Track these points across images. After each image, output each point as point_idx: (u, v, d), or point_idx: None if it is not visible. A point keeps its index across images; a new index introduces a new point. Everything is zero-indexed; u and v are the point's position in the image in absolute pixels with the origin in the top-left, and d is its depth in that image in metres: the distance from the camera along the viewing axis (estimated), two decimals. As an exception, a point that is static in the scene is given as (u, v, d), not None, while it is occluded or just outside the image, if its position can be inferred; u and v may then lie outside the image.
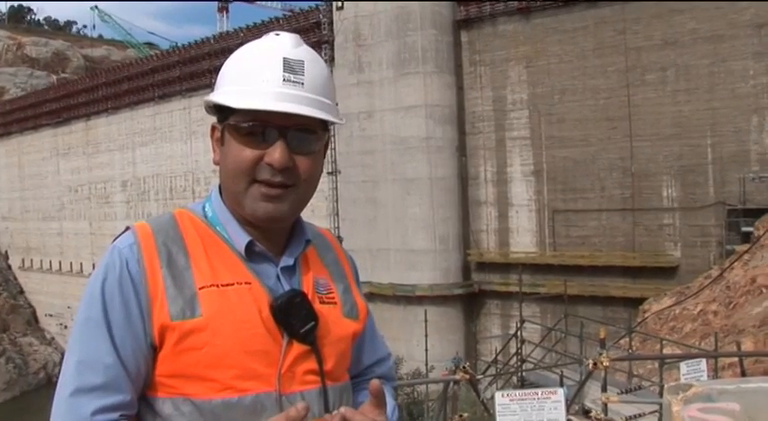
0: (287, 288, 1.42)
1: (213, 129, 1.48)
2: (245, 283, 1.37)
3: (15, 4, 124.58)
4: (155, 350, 1.34)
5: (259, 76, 1.37)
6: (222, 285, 1.36)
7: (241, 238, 1.42)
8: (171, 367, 1.33)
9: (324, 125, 1.45)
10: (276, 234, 1.47)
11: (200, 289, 1.34)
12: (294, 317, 1.37)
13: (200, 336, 1.31)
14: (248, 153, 1.37)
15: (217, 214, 1.46)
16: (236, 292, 1.35)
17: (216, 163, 1.47)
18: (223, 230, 1.44)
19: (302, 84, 1.37)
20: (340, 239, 1.82)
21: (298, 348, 1.37)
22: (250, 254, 1.42)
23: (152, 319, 1.33)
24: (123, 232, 1.43)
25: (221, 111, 1.43)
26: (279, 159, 1.35)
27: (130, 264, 1.35)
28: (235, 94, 1.37)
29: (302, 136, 1.39)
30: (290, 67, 1.37)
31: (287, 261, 1.46)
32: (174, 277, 1.35)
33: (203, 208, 1.49)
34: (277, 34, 1.43)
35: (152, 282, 1.34)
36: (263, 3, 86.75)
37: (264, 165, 1.37)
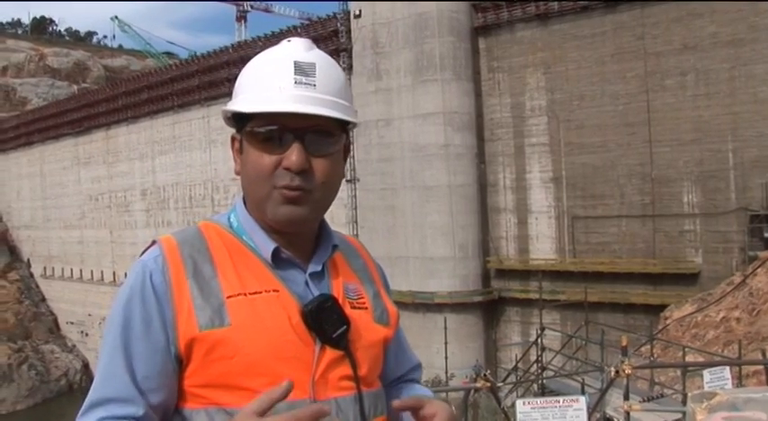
0: (316, 294, 1.41)
1: (233, 139, 1.48)
2: (273, 291, 1.37)
3: (38, 15, 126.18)
4: (181, 362, 1.34)
5: (271, 80, 1.37)
6: (250, 294, 1.35)
7: (267, 246, 1.42)
8: (202, 377, 1.32)
9: (342, 127, 1.44)
10: (302, 240, 1.47)
11: (227, 298, 1.34)
12: (325, 321, 1.36)
13: (231, 345, 1.31)
14: (266, 159, 1.37)
15: (242, 224, 1.46)
16: (264, 300, 1.35)
17: (237, 173, 1.47)
18: (249, 239, 1.44)
19: (314, 85, 1.37)
20: (360, 246, 1.80)
21: (331, 354, 1.36)
22: (277, 261, 1.42)
23: (177, 331, 1.33)
24: (149, 246, 1.43)
25: (239, 121, 1.43)
26: (295, 162, 1.35)
27: (154, 276, 1.35)
28: (248, 101, 1.38)
29: (319, 138, 1.38)
30: (302, 69, 1.37)
31: (315, 267, 1.46)
32: (200, 287, 1.34)
33: (228, 218, 1.49)
34: (289, 41, 1.43)
35: (177, 294, 1.34)
36: (281, 12, 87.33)
37: (283, 171, 1.36)
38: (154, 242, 1.44)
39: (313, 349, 1.35)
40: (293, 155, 1.35)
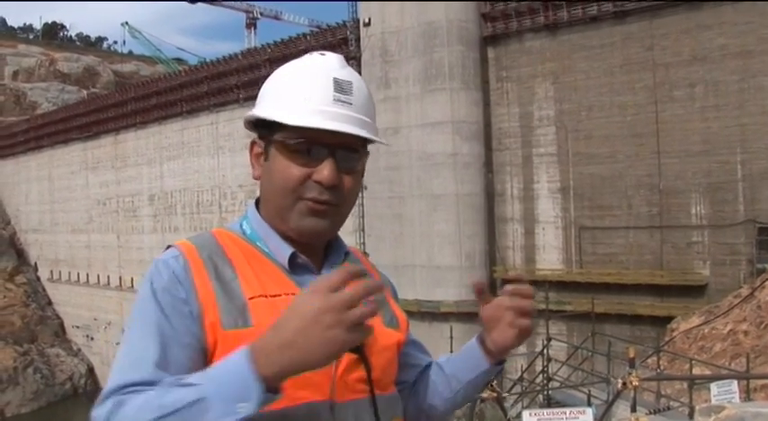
0: None
1: (253, 144, 1.50)
2: (292, 294, 1.37)
3: (49, 20, 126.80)
4: (205, 355, 1.34)
5: (309, 94, 1.39)
6: (270, 296, 1.37)
7: (284, 251, 1.45)
8: None
9: (365, 144, 1.48)
10: (315, 248, 1.50)
11: (249, 299, 1.36)
12: None
13: None
14: (296, 170, 1.40)
15: (256, 230, 1.49)
16: (284, 303, 1.32)
17: (256, 178, 1.50)
18: (264, 245, 1.46)
19: (351, 104, 1.42)
20: (366, 255, 1.84)
21: (347, 356, 1.36)
22: (292, 266, 1.45)
23: (204, 325, 1.33)
24: (166, 250, 1.44)
25: (266, 127, 1.45)
26: (328, 177, 1.38)
27: (177, 272, 1.36)
28: (285, 111, 1.39)
29: (348, 155, 1.43)
30: (341, 87, 1.41)
31: (328, 272, 1.47)
32: (223, 288, 1.36)
33: (240, 226, 1.51)
34: (322, 54, 1.47)
35: (202, 291, 1.35)
36: (290, 19, 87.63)
37: (312, 183, 1.40)
38: (170, 246, 1.45)
39: None
40: (326, 170, 1.39)
